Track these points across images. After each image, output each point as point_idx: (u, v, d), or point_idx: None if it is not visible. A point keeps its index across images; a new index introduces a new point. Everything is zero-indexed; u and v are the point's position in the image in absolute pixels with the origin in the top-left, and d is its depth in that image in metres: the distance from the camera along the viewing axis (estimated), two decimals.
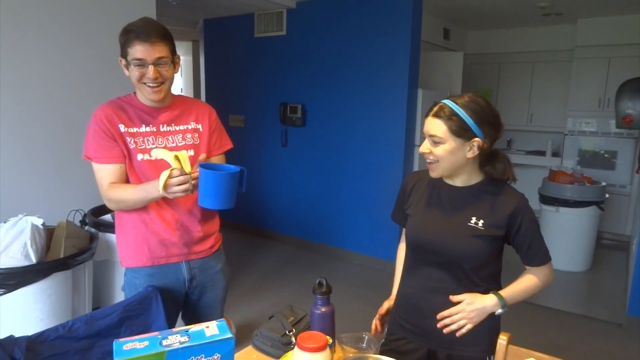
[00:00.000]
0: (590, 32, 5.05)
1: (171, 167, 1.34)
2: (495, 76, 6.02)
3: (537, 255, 1.32)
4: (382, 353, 1.25)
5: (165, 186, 1.32)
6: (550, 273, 1.35)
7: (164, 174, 1.32)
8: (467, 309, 1.30)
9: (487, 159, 1.32)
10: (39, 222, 2.10)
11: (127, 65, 1.44)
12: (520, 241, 1.30)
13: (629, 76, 4.14)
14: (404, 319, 1.44)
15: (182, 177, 1.32)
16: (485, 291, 1.33)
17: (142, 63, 1.41)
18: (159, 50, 1.42)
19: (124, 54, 1.44)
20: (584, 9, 4.67)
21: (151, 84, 1.45)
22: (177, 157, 1.34)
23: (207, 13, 4.96)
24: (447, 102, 1.26)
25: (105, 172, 1.47)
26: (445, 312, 1.32)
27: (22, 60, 2.45)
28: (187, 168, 1.35)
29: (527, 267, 1.36)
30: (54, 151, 2.62)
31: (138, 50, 1.40)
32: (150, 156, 1.50)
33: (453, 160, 1.27)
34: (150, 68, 1.42)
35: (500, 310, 1.31)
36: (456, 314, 1.31)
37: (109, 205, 1.52)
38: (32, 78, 2.51)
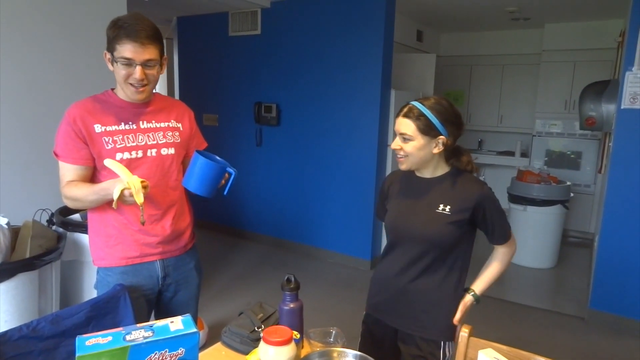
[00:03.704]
0: (556, 37, 5.22)
1: (122, 182, 1.32)
2: (467, 78, 6.15)
3: (501, 235, 1.47)
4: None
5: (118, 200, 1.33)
6: (511, 248, 1.50)
7: (116, 193, 1.30)
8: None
9: (452, 153, 1.45)
10: (3, 221, 2.05)
11: (113, 61, 1.41)
12: (485, 225, 1.44)
13: (593, 79, 4.29)
14: (376, 297, 1.58)
15: (131, 199, 1.32)
16: (448, 275, 1.45)
17: (129, 63, 1.39)
18: (149, 52, 1.40)
19: (110, 49, 1.40)
20: (551, 14, 4.82)
21: (136, 85, 1.43)
22: (128, 184, 1.31)
23: (181, 11, 4.91)
24: (415, 103, 1.40)
25: (68, 170, 1.46)
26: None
27: None
28: (139, 200, 1.32)
29: (494, 246, 1.51)
30: (20, 149, 2.56)
31: (127, 50, 1.37)
32: (130, 155, 1.48)
33: (421, 155, 1.40)
34: (138, 69, 1.39)
35: (475, 302, 1.49)
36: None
37: (65, 202, 1.50)
38: None
